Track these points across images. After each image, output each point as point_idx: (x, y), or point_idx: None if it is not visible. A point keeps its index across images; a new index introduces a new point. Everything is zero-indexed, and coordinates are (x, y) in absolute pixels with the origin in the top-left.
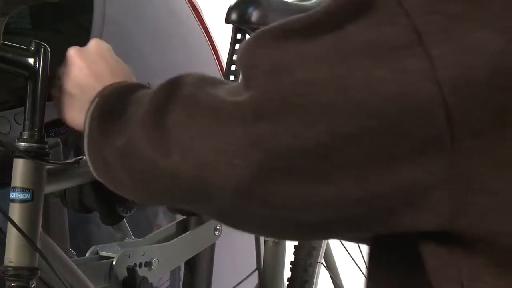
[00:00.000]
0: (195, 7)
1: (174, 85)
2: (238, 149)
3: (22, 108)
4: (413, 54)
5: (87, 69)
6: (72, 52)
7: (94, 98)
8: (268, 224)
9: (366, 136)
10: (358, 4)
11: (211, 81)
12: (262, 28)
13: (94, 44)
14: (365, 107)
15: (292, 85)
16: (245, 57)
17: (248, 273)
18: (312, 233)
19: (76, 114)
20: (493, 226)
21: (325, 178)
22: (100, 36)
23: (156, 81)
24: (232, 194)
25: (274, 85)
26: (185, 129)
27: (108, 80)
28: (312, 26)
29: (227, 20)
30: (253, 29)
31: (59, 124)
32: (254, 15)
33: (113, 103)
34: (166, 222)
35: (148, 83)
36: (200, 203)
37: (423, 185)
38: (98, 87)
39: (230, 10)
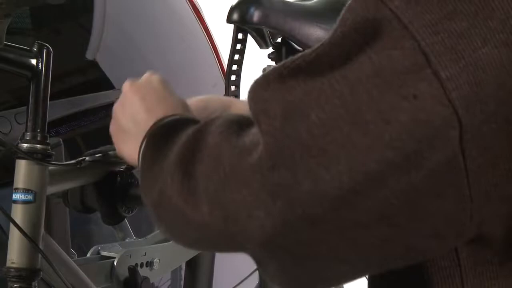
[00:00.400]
0: (196, 7)
1: (202, 133)
2: (257, 201)
3: (23, 107)
4: (423, 78)
5: (140, 103)
6: (125, 86)
7: (144, 136)
8: (298, 276)
9: (386, 170)
10: (363, 31)
11: (238, 125)
12: (267, 69)
13: (146, 77)
14: (382, 138)
15: (305, 127)
16: (253, 101)
17: (249, 273)
18: (342, 280)
19: (132, 150)
20: None
21: (350, 222)
22: (100, 36)
23: None
24: (257, 246)
25: (286, 130)
26: (211, 181)
27: (160, 113)
28: (318, 61)
29: (229, 20)
30: (254, 29)
31: (60, 124)
32: (256, 15)
33: (155, 145)
34: None
35: None
36: (233, 251)
37: (447, 213)
38: (150, 122)
39: (232, 10)
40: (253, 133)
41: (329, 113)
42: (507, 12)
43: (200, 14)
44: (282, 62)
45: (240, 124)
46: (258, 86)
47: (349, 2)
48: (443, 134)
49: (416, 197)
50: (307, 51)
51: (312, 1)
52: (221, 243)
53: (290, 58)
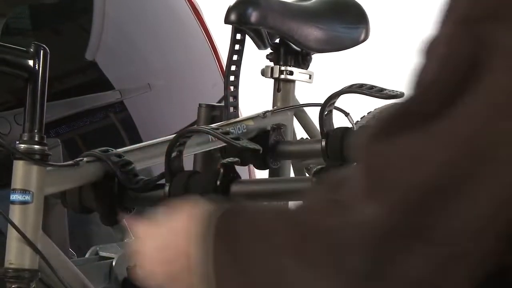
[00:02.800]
0: (195, 7)
1: (303, 224)
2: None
3: (22, 108)
4: None
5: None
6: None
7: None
8: None
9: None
10: (468, 61)
11: (335, 193)
12: (376, 121)
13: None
14: (505, 167)
15: (426, 172)
16: (366, 158)
17: None
18: None
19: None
20: None
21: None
22: (100, 36)
23: (156, 81)
24: None
25: (407, 183)
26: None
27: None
28: (424, 112)
29: (226, 20)
30: (252, 30)
31: (59, 125)
32: (253, 16)
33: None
34: None
35: (148, 84)
36: None
37: None
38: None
39: (229, 10)
40: (351, 194)
41: (448, 153)
42: None
43: (200, 14)
44: (387, 114)
45: (333, 195)
46: (369, 141)
47: (436, 36)
48: None
49: None
50: (403, 100)
51: (310, 2)
52: None
53: (393, 106)
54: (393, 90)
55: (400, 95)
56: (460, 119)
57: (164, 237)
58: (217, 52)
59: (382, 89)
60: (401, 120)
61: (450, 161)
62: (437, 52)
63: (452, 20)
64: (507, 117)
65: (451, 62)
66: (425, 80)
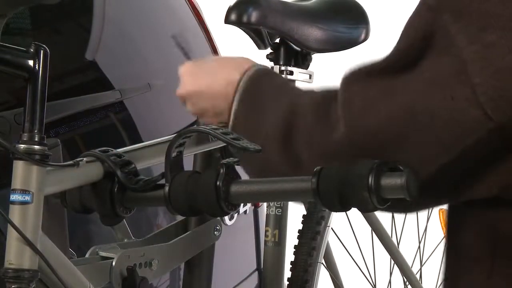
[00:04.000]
0: (195, 7)
1: (295, 115)
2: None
3: (22, 108)
4: (460, 82)
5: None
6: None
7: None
8: None
9: (437, 151)
10: (423, 40)
11: (323, 106)
12: (358, 64)
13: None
14: (428, 132)
15: (375, 120)
16: (345, 88)
17: (248, 273)
18: None
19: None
20: None
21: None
22: (100, 36)
23: (156, 81)
24: None
25: (363, 123)
26: (309, 152)
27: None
28: (391, 65)
29: (226, 20)
30: (252, 30)
31: (59, 125)
32: (253, 16)
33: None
34: (166, 222)
35: (148, 83)
36: None
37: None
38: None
39: (230, 10)
40: (335, 111)
41: (392, 108)
42: None
43: (200, 14)
44: (369, 62)
45: (325, 104)
46: (353, 77)
47: (409, 17)
48: (475, 131)
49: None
50: (385, 56)
51: (310, 2)
52: None
53: (377, 60)
54: None
55: None
56: (406, 81)
57: (213, 66)
58: (217, 52)
59: None
60: (377, 68)
61: (385, 113)
62: (406, 26)
63: (421, 6)
64: (430, 91)
65: (411, 35)
66: (397, 45)
